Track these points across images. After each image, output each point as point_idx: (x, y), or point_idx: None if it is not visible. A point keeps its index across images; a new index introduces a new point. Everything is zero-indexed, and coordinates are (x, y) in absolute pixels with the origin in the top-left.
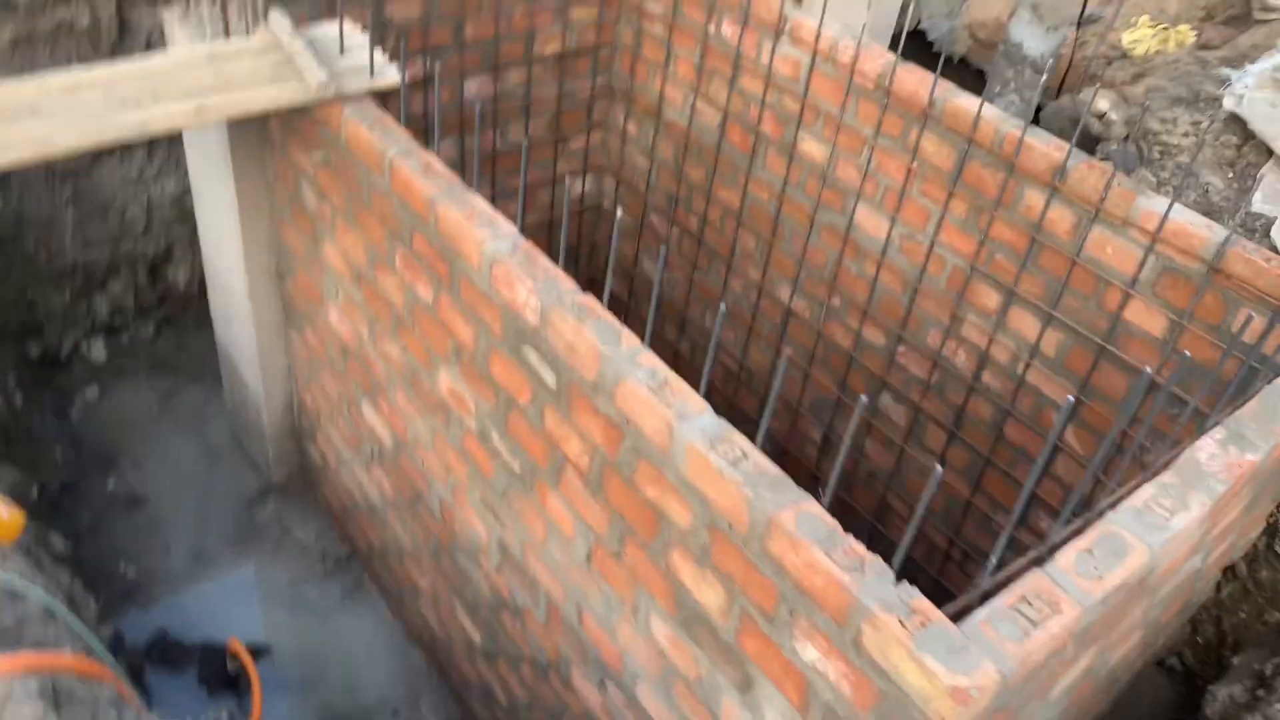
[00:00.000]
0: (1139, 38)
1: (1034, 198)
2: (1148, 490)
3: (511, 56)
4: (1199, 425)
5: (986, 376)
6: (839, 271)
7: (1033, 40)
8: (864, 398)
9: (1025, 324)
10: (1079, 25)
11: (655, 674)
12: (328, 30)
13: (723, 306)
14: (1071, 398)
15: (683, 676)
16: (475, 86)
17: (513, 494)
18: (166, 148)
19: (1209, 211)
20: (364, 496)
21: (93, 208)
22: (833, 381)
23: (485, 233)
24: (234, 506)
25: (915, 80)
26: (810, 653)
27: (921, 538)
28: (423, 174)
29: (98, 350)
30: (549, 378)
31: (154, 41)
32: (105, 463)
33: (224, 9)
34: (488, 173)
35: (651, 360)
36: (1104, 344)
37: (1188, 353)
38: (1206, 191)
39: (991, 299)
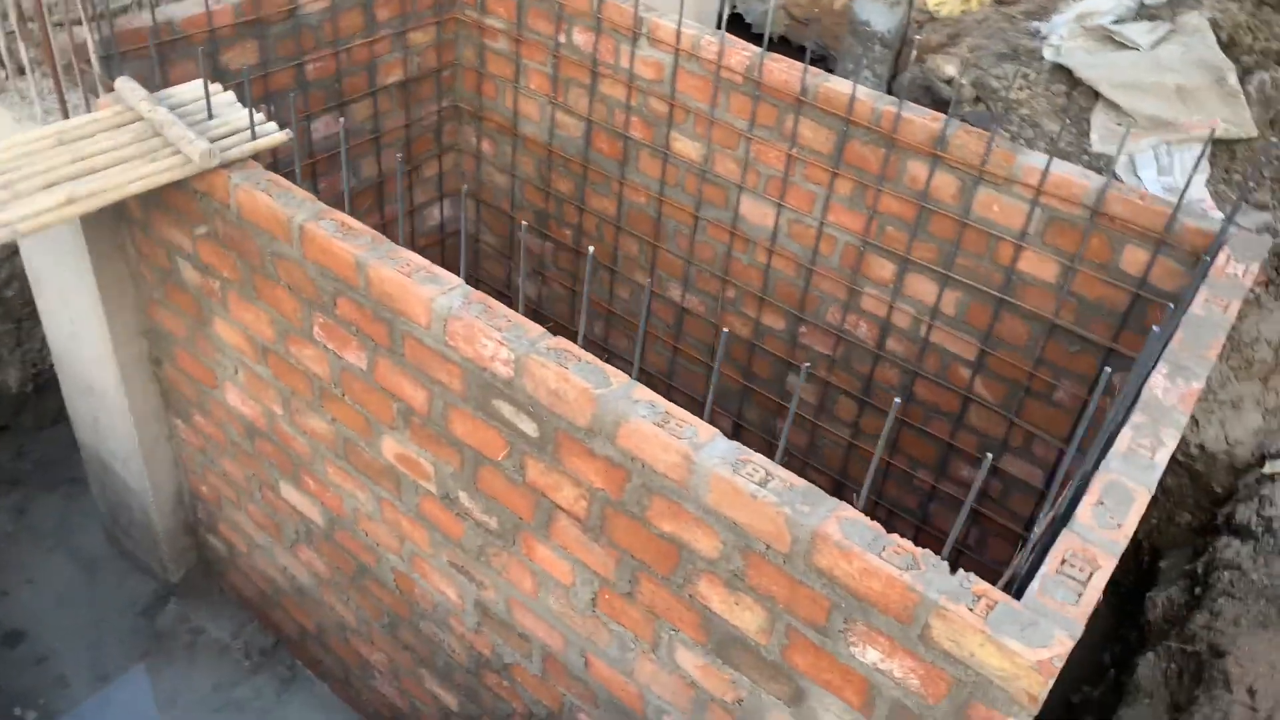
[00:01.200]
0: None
1: (917, 168)
2: (1126, 434)
3: (355, 90)
4: (1099, 356)
5: (890, 343)
6: (730, 264)
7: (878, 17)
8: (807, 366)
9: (923, 288)
10: None
11: (685, 705)
12: (185, 93)
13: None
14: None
15: (719, 701)
16: (322, 126)
17: (491, 552)
18: None
19: (1058, 158)
20: (289, 580)
21: None
22: (737, 370)
23: (431, 289)
24: (129, 617)
25: (783, 70)
26: (871, 655)
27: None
28: (343, 235)
29: None
30: (529, 428)
31: None
32: None
33: (57, 82)
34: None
35: (646, 394)
36: (1002, 296)
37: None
38: (1054, 140)
39: (887, 269)
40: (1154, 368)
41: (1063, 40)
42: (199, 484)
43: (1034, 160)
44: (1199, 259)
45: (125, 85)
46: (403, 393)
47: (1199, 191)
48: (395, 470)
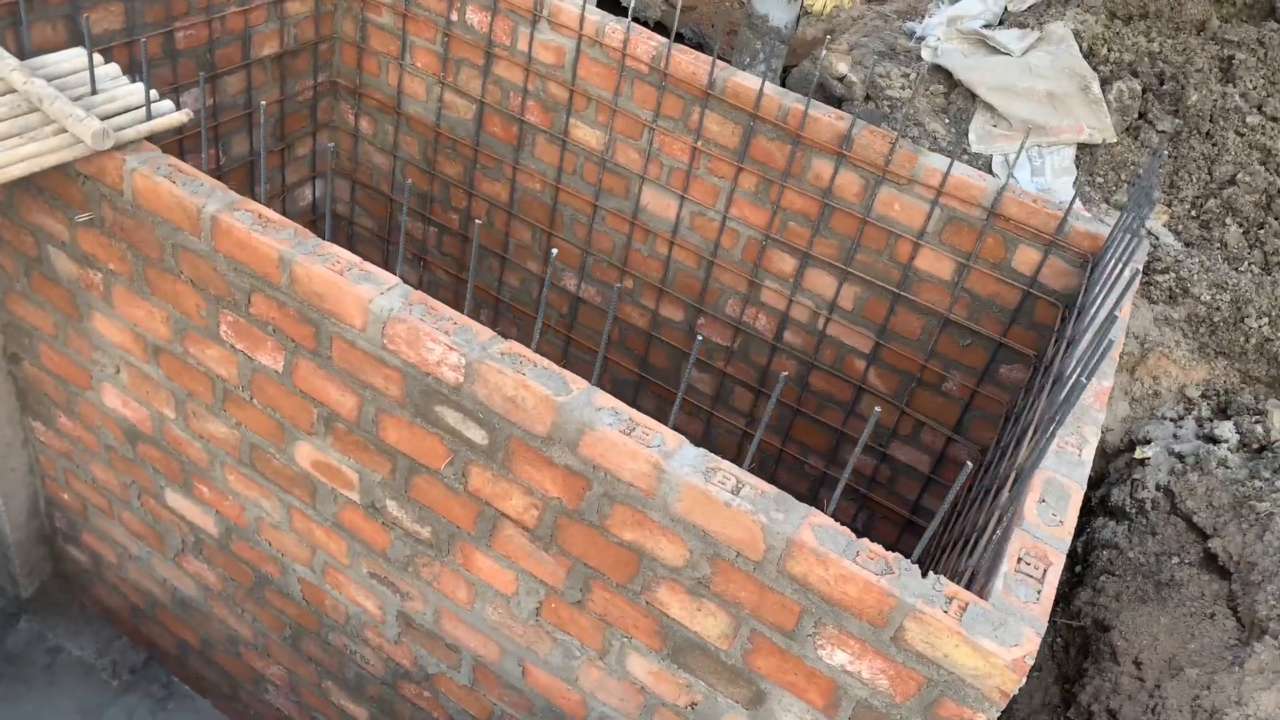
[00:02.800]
0: None
1: (822, 166)
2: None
3: (228, 62)
4: (988, 350)
5: (788, 335)
6: (629, 254)
7: (777, 11)
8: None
9: (822, 283)
10: None
11: (633, 710)
12: (62, 62)
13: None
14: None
15: (671, 706)
16: (191, 99)
17: (420, 562)
18: None
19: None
20: (169, 593)
21: None
22: (633, 361)
23: (367, 289)
24: None
25: (690, 61)
26: (839, 657)
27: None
28: (262, 228)
29: None
30: (477, 436)
31: None
32: None
33: None
34: None
35: (608, 400)
36: (898, 291)
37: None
38: (936, 139)
39: (788, 264)
40: (1079, 370)
41: (939, 42)
42: (59, 491)
43: (935, 162)
44: (1086, 260)
45: None
46: (327, 398)
47: (1067, 192)
48: (310, 478)
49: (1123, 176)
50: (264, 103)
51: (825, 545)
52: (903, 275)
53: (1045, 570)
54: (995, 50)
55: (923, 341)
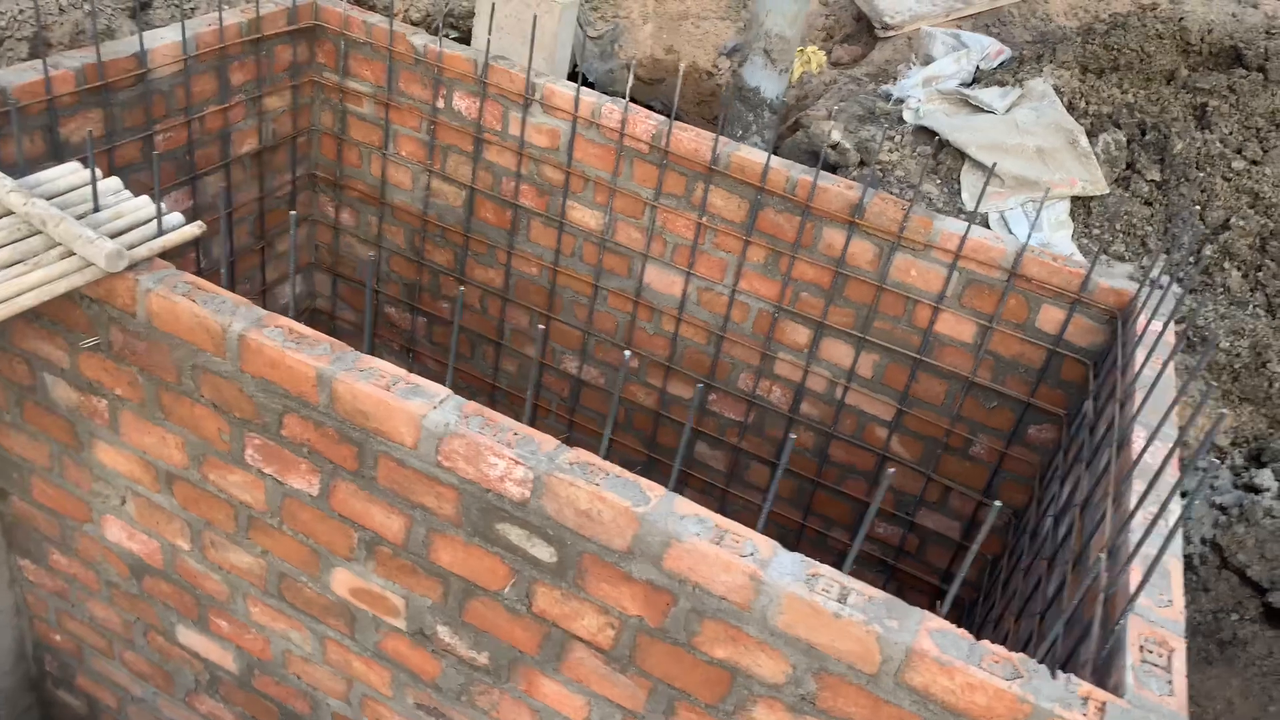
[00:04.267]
0: None
1: (833, 235)
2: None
3: (208, 162)
4: (1015, 411)
5: (805, 406)
6: (633, 333)
7: (768, 84)
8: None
9: (839, 352)
10: (727, 55)
11: None
12: (58, 179)
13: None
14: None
15: None
16: (171, 203)
17: (475, 690)
18: None
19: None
20: None
21: None
22: (640, 441)
23: (418, 403)
24: None
25: (692, 138)
26: None
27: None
28: (295, 344)
29: None
30: (544, 554)
31: None
32: None
33: None
34: None
35: (690, 507)
36: (919, 356)
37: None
38: (930, 200)
39: (801, 334)
40: (1127, 431)
41: (920, 104)
42: (50, 633)
43: (952, 226)
44: (1113, 316)
45: None
46: (370, 520)
47: (1067, 246)
48: (349, 607)
49: (1118, 227)
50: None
51: (948, 653)
52: (923, 340)
53: (1169, 658)
54: (978, 109)
55: (947, 406)
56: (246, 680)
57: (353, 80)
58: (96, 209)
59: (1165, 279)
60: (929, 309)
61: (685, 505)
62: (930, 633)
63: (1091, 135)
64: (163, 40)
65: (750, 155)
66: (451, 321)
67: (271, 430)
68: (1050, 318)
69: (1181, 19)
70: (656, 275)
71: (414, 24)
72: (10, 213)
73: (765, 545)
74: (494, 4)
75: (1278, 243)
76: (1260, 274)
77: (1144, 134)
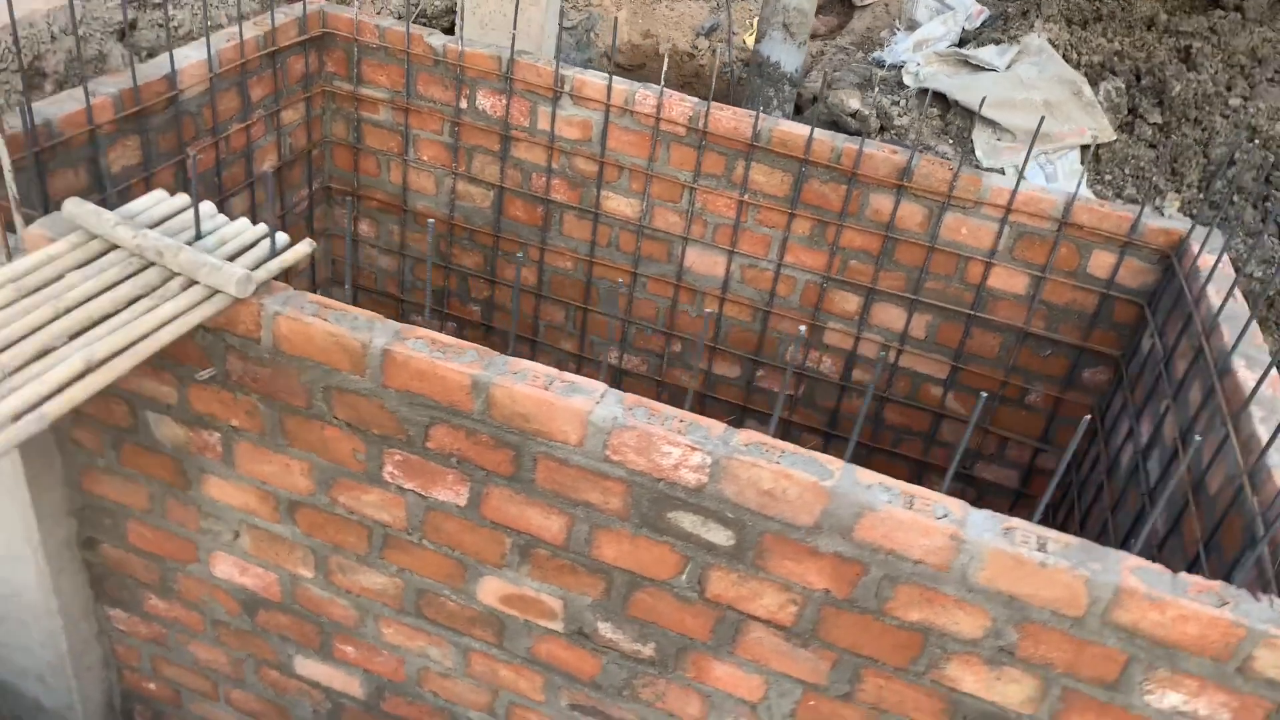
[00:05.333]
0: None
1: (881, 201)
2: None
3: (234, 183)
4: (1070, 357)
5: (857, 373)
6: (675, 318)
7: (788, 57)
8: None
9: (890, 315)
10: (705, 35)
11: None
12: (151, 208)
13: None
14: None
15: None
16: None
17: (639, 683)
18: None
19: None
20: None
21: None
22: None
23: (581, 400)
24: None
25: (730, 117)
26: (1171, 699)
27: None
28: (443, 354)
29: None
30: (720, 538)
31: None
32: None
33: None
34: None
35: (873, 476)
36: (973, 312)
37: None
38: (946, 159)
39: (851, 302)
40: (1227, 361)
41: (920, 67)
42: (143, 681)
43: (1001, 182)
44: (1165, 255)
45: (77, 207)
46: (526, 524)
47: (1084, 193)
48: (498, 615)
49: (1127, 172)
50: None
51: (1155, 587)
52: (976, 296)
53: None
54: (979, 68)
55: (1001, 358)
56: (374, 704)
57: (367, 87)
58: (199, 235)
59: (1210, 217)
60: (981, 265)
61: (867, 475)
62: (1132, 571)
63: (1092, 84)
64: (189, 60)
65: (792, 129)
66: (481, 324)
67: (416, 444)
68: (1101, 263)
69: None
70: (697, 257)
71: None
72: (114, 247)
73: (955, 505)
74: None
75: None
76: (1269, 204)
77: (1139, 79)
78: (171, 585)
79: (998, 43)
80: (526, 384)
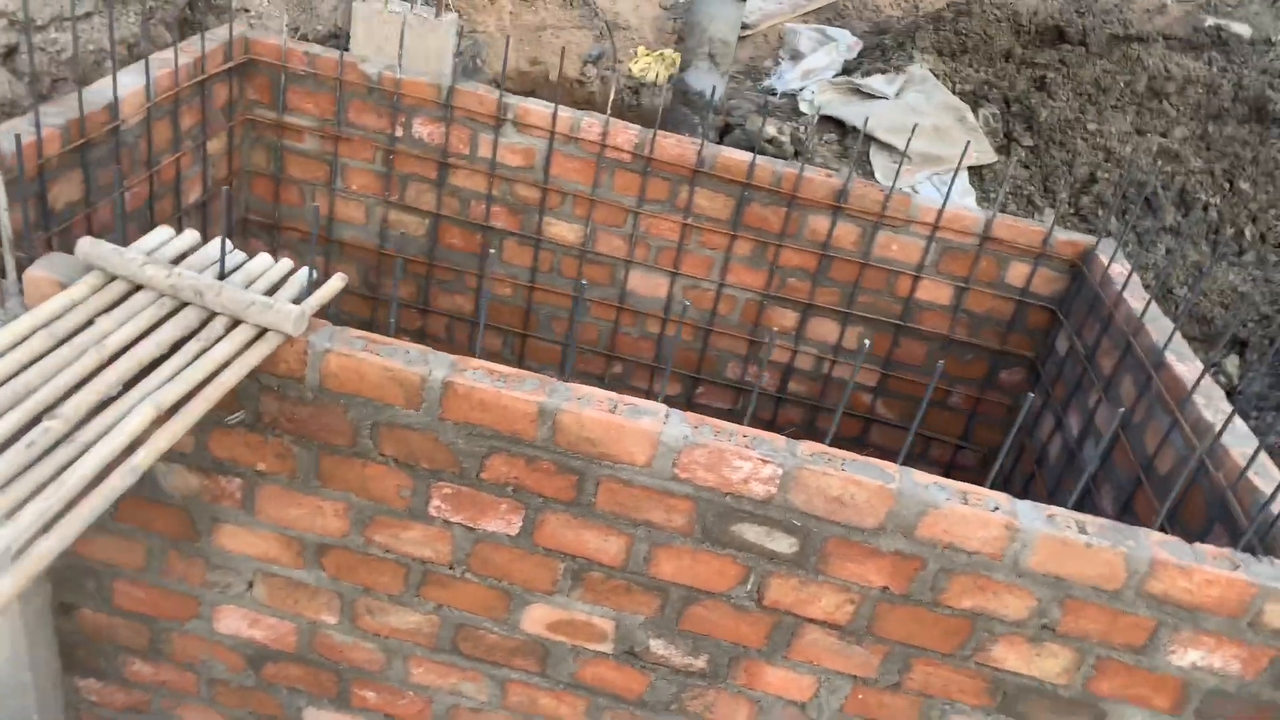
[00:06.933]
0: (644, 65)
1: (818, 222)
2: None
3: (163, 216)
4: (989, 360)
5: (793, 385)
6: (616, 340)
7: (712, 85)
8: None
9: (825, 329)
10: (592, 62)
11: None
12: (164, 247)
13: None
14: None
15: None
16: None
17: (687, 696)
18: None
19: None
20: None
21: None
22: None
23: (650, 421)
24: None
25: (675, 144)
26: (1190, 656)
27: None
28: (506, 384)
29: None
30: (782, 546)
31: None
32: None
33: None
34: None
35: (928, 477)
36: (901, 323)
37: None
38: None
39: (789, 318)
40: (1160, 355)
41: (814, 95)
42: None
43: (928, 202)
44: (1072, 265)
45: (94, 247)
46: (582, 548)
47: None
48: (542, 642)
49: (1007, 190)
50: None
51: (1180, 557)
52: (904, 308)
53: None
54: (870, 96)
55: (927, 365)
56: None
57: (292, 115)
58: (224, 274)
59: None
60: (909, 279)
61: (924, 476)
62: (1160, 544)
63: (971, 110)
64: (127, 89)
65: (735, 155)
66: None
67: (469, 476)
68: (1018, 273)
69: (1013, 4)
70: (641, 280)
71: None
72: (137, 287)
73: (1003, 498)
74: (371, 25)
75: (1134, 189)
76: (1126, 216)
77: (1009, 106)
78: (162, 647)
79: (884, 72)
80: (593, 408)
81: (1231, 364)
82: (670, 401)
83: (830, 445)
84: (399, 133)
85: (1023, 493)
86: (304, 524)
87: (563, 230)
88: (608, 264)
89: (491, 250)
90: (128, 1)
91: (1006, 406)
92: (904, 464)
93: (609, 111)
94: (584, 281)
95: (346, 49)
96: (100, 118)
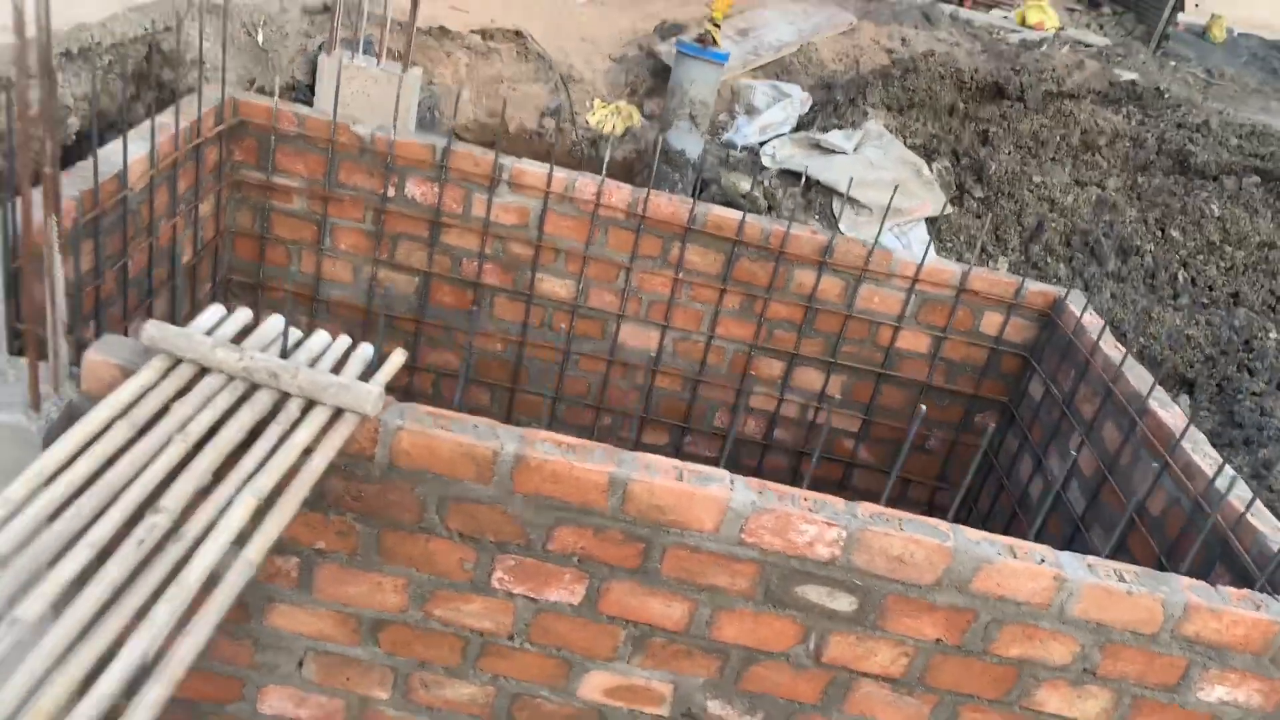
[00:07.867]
0: (601, 118)
1: (804, 276)
2: (1198, 460)
3: (158, 282)
4: (964, 405)
5: (779, 433)
6: (606, 392)
7: (691, 144)
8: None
9: (809, 378)
10: (551, 115)
11: None
12: (224, 327)
13: None
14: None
15: None
16: (136, 333)
17: None
18: None
19: None
20: None
21: None
22: None
23: (718, 489)
24: None
25: (668, 202)
26: (1217, 692)
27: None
28: (574, 455)
29: None
30: (843, 605)
31: None
32: None
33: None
34: None
35: (978, 534)
36: (882, 371)
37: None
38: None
39: (775, 367)
40: (1144, 403)
41: (776, 150)
42: None
43: (908, 256)
44: (1042, 314)
45: (160, 330)
46: (646, 614)
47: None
48: (599, 709)
49: (963, 239)
50: None
51: (1212, 600)
52: (885, 356)
53: None
54: (830, 151)
55: (906, 411)
56: None
57: (281, 175)
58: (285, 353)
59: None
60: (890, 329)
61: (974, 533)
62: (1191, 589)
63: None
64: (133, 156)
65: (726, 213)
66: None
67: (535, 548)
68: (992, 322)
69: (955, 62)
70: (631, 333)
71: None
72: (204, 369)
73: (1048, 551)
74: (339, 80)
75: (1079, 237)
76: (1074, 263)
77: (959, 159)
78: None
79: (840, 128)
80: (662, 477)
81: (1183, 404)
82: (659, 450)
83: (810, 489)
84: (391, 193)
85: (1005, 531)
86: (362, 600)
87: (555, 286)
88: (599, 318)
89: (475, 307)
90: (87, 58)
91: (981, 449)
92: (885, 505)
93: (553, 161)
94: (572, 334)
95: (308, 103)
96: (111, 187)
